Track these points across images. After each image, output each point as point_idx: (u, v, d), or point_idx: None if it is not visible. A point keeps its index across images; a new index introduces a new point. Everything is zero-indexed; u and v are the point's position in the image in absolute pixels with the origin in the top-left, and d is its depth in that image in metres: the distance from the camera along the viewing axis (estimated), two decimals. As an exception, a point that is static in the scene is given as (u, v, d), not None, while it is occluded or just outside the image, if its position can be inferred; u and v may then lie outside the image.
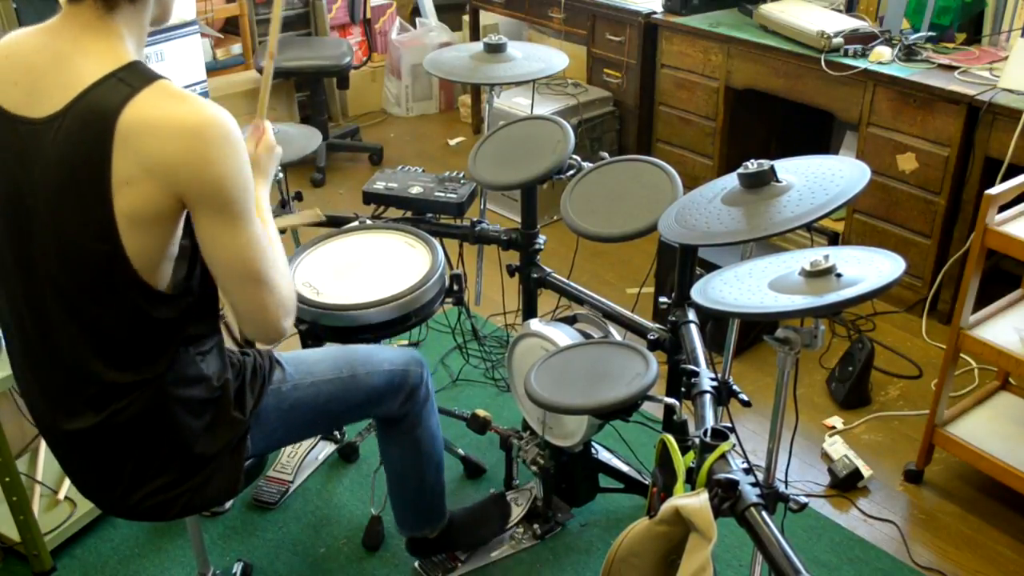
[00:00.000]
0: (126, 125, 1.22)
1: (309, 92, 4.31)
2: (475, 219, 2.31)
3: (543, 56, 2.42)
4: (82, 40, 1.27)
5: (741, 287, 1.38)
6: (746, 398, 1.69)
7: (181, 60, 3.46)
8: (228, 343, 1.98)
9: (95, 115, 1.23)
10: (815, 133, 3.72)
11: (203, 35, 3.89)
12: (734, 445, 1.35)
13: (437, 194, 2.29)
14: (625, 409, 1.54)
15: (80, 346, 1.38)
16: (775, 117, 3.60)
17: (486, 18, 4.65)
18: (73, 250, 1.31)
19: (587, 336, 2.01)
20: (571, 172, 2.03)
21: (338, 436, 2.54)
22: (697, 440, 1.37)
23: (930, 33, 3.03)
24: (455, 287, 2.14)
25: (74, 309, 1.36)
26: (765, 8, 3.29)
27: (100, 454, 1.48)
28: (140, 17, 1.32)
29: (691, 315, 1.85)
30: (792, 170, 1.52)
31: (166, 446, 1.48)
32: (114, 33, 1.28)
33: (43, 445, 2.38)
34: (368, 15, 4.72)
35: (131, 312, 1.35)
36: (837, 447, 2.43)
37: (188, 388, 1.45)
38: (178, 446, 1.48)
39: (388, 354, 1.82)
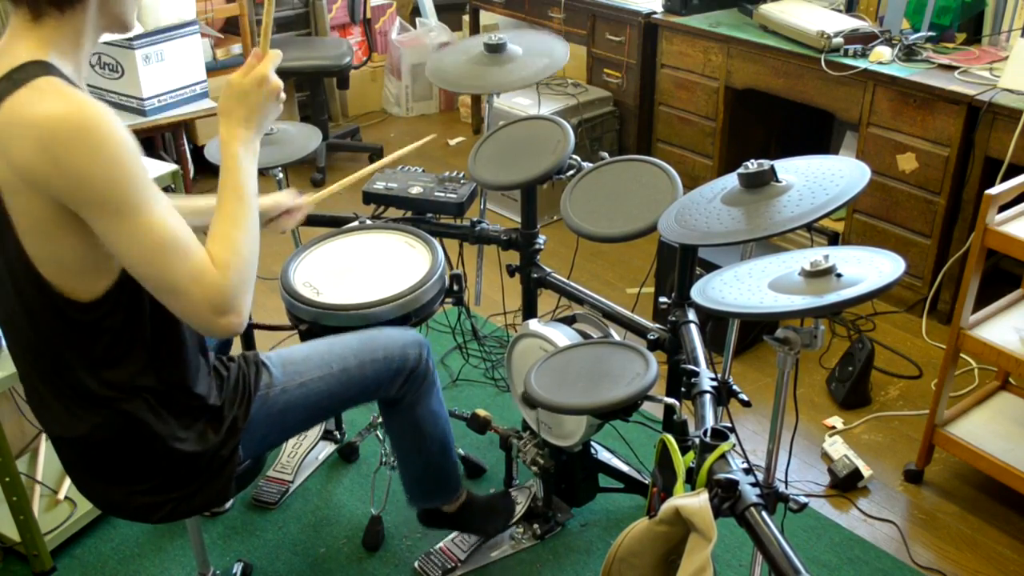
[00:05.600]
0: (1, 127, 1.18)
1: (309, 92, 4.31)
2: (475, 219, 2.31)
3: (544, 51, 2.37)
4: (9, 49, 1.24)
5: (741, 287, 1.38)
6: (746, 398, 1.69)
7: (181, 60, 3.46)
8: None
9: None
10: (815, 133, 3.72)
11: (203, 35, 3.89)
12: (734, 445, 1.35)
13: (437, 194, 2.29)
14: (625, 409, 1.54)
15: (39, 360, 1.38)
16: (775, 117, 3.60)
17: (486, 18, 4.65)
18: (3, 263, 1.30)
19: (587, 336, 2.01)
20: (571, 172, 2.03)
21: (338, 436, 2.54)
22: (697, 440, 1.37)
23: (930, 33, 3.03)
24: (455, 287, 2.13)
25: (30, 323, 1.35)
26: (765, 8, 3.29)
27: (83, 458, 1.49)
28: (73, 26, 1.27)
29: (691, 315, 1.85)
30: (792, 170, 1.52)
31: (148, 459, 1.47)
32: (38, 38, 1.24)
33: (43, 445, 2.38)
34: (368, 15, 4.72)
35: (50, 322, 1.32)
36: (837, 447, 2.43)
37: (169, 403, 1.45)
38: (161, 459, 1.48)
39: (384, 339, 1.78)
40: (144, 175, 1.22)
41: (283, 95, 1.44)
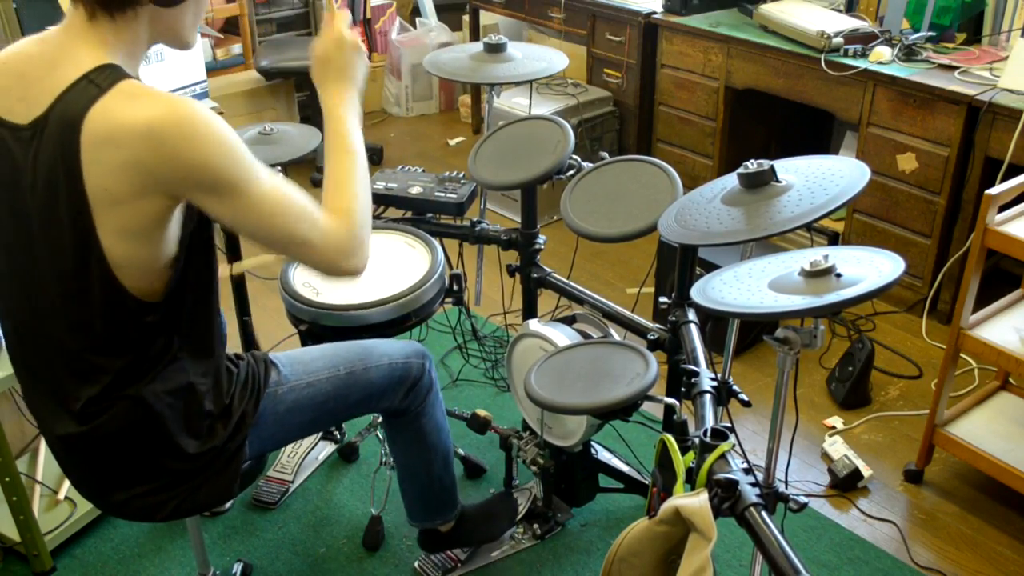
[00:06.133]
0: (91, 133, 1.21)
1: (309, 92, 4.31)
2: (475, 219, 2.31)
3: (543, 56, 2.42)
4: (70, 46, 1.27)
5: (741, 287, 1.38)
6: (746, 398, 1.69)
7: (181, 60, 3.46)
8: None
9: (65, 121, 1.22)
10: (815, 133, 3.72)
11: (203, 35, 3.89)
12: (734, 445, 1.35)
13: (437, 194, 2.29)
14: (625, 409, 1.54)
15: (70, 356, 1.38)
16: (775, 117, 3.60)
17: (486, 18, 4.65)
18: (60, 259, 1.30)
19: (587, 336, 2.01)
20: (571, 172, 2.03)
21: (338, 436, 2.54)
22: (697, 440, 1.37)
23: (930, 33, 3.03)
24: (455, 287, 2.14)
25: (64, 318, 1.35)
26: (765, 8, 3.29)
27: (89, 457, 1.49)
28: (130, 31, 1.29)
29: (691, 315, 1.85)
30: (792, 170, 1.52)
31: (155, 454, 1.47)
32: (100, 39, 1.27)
33: (43, 445, 2.38)
34: (368, 15, 4.72)
35: (117, 322, 1.34)
36: (837, 447, 2.43)
37: (180, 399, 1.45)
38: (168, 455, 1.48)
39: (388, 348, 1.80)
40: (245, 150, 1.29)
41: (363, 47, 1.52)
